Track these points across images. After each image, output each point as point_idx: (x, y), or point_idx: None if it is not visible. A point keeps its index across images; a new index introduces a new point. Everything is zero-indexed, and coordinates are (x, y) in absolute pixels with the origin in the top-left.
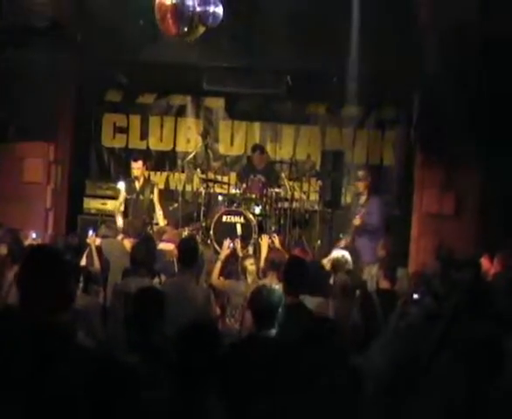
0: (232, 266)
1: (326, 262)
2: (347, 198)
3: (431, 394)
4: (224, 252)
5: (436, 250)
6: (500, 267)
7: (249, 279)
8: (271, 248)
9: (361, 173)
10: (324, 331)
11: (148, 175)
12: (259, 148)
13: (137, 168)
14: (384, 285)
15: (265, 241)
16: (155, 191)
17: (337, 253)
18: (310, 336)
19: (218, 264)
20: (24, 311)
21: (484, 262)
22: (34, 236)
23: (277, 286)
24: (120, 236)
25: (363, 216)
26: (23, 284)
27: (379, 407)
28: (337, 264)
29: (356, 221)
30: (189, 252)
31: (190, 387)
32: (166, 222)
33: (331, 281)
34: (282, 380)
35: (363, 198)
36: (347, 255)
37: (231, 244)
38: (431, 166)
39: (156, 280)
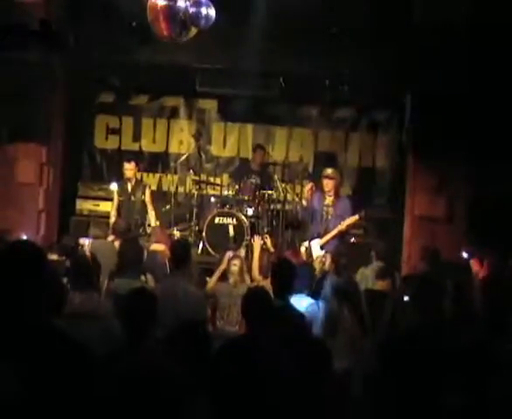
0: None
1: (319, 262)
2: None
3: None
4: (224, 265)
5: (422, 252)
6: (488, 270)
7: (231, 280)
8: (263, 249)
9: (329, 170)
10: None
11: (141, 177)
12: (259, 147)
13: (130, 169)
14: (379, 286)
15: (257, 242)
16: (147, 192)
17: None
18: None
19: (217, 274)
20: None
21: (474, 264)
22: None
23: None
24: (110, 237)
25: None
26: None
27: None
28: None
29: (342, 226)
30: (180, 254)
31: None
32: (158, 223)
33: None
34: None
35: (329, 198)
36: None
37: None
38: (423, 169)
39: (143, 279)
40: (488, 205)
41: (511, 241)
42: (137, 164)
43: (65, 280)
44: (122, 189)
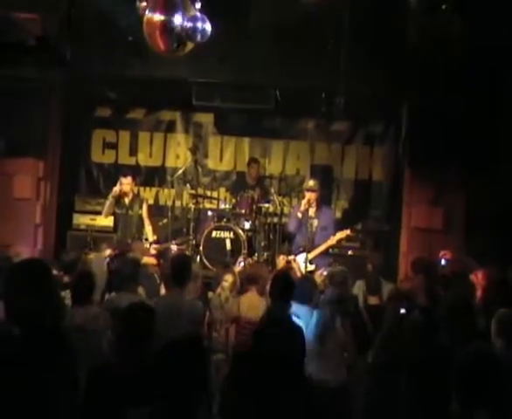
0: None
1: (318, 275)
2: (336, 213)
3: None
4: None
5: (412, 264)
6: (485, 282)
7: (222, 296)
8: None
9: (311, 183)
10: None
11: (138, 191)
12: (253, 160)
13: (126, 183)
14: (372, 300)
15: (281, 261)
16: (144, 207)
17: (336, 268)
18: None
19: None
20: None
21: (473, 276)
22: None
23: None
24: (107, 251)
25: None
26: (9, 297)
27: None
28: (332, 277)
29: (332, 241)
30: (181, 269)
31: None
32: (155, 237)
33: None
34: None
35: (311, 210)
36: (345, 271)
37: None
38: (419, 181)
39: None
40: (485, 216)
41: (509, 253)
42: (134, 178)
43: (63, 295)
44: (119, 204)
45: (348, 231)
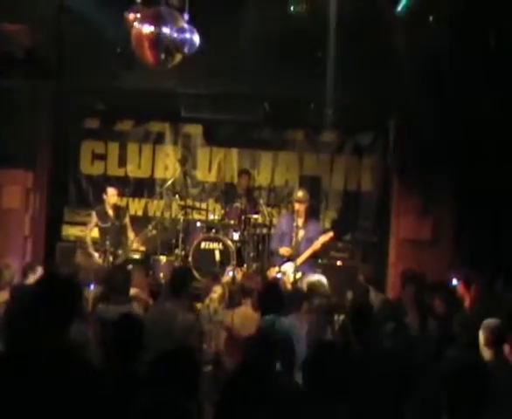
0: None
1: (301, 285)
2: (325, 223)
3: None
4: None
5: (401, 275)
6: (475, 294)
7: (211, 307)
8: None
9: (300, 194)
10: None
11: (127, 202)
12: (244, 172)
13: (112, 194)
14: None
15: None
16: (127, 216)
17: (313, 277)
18: None
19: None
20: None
21: (460, 288)
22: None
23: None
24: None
25: (324, 241)
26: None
27: None
28: (313, 287)
29: (316, 246)
30: (179, 280)
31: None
32: (138, 244)
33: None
34: None
35: (300, 220)
36: (323, 279)
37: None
38: (408, 192)
39: (135, 305)
40: (474, 227)
41: (498, 263)
42: (119, 189)
43: None
44: (106, 215)
45: (331, 233)
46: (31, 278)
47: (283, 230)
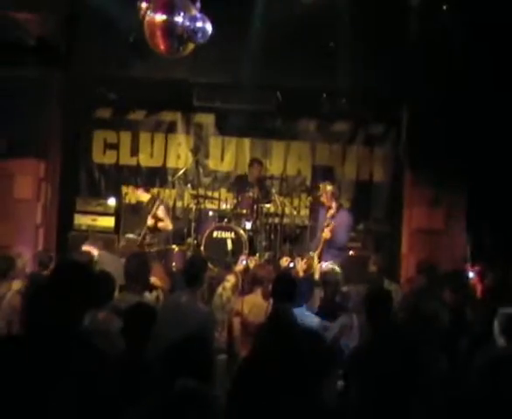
0: None
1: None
2: None
3: None
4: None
5: (418, 265)
6: (486, 282)
7: (224, 296)
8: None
9: (330, 187)
10: None
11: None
12: (256, 161)
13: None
14: None
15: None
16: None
17: (326, 266)
18: None
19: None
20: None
21: (472, 276)
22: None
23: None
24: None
25: (333, 229)
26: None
27: None
28: (326, 276)
29: (326, 234)
30: (193, 271)
31: None
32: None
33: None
34: None
35: (331, 212)
36: (336, 268)
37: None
38: (420, 182)
39: (154, 294)
40: (486, 217)
41: (510, 252)
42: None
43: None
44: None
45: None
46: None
47: (318, 221)
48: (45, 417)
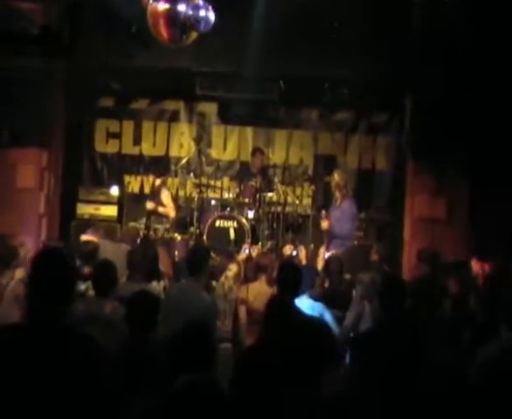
0: None
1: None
2: None
3: None
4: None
5: (419, 254)
6: (489, 272)
7: (226, 285)
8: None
9: (336, 177)
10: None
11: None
12: (258, 150)
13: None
14: None
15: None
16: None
17: (328, 255)
18: None
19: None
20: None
21: (474, 266)
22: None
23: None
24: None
25: (330, 219)
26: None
27: None
28: (327, 265)
29: (324, 224)
30: (195, 260)
31: None
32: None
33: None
34: None
35: (338, 200)
36: (338, 257)
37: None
38: (422, 171)
39: (162, 284)
40: (489, 206)
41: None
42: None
43: (82, 287)
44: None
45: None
46: None
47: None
48: (45, 406)
